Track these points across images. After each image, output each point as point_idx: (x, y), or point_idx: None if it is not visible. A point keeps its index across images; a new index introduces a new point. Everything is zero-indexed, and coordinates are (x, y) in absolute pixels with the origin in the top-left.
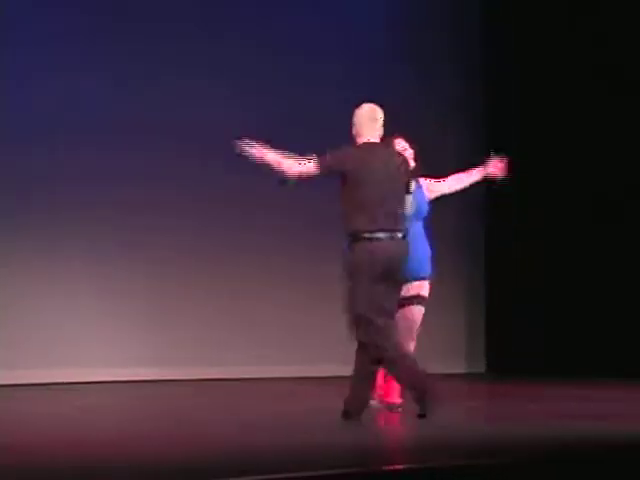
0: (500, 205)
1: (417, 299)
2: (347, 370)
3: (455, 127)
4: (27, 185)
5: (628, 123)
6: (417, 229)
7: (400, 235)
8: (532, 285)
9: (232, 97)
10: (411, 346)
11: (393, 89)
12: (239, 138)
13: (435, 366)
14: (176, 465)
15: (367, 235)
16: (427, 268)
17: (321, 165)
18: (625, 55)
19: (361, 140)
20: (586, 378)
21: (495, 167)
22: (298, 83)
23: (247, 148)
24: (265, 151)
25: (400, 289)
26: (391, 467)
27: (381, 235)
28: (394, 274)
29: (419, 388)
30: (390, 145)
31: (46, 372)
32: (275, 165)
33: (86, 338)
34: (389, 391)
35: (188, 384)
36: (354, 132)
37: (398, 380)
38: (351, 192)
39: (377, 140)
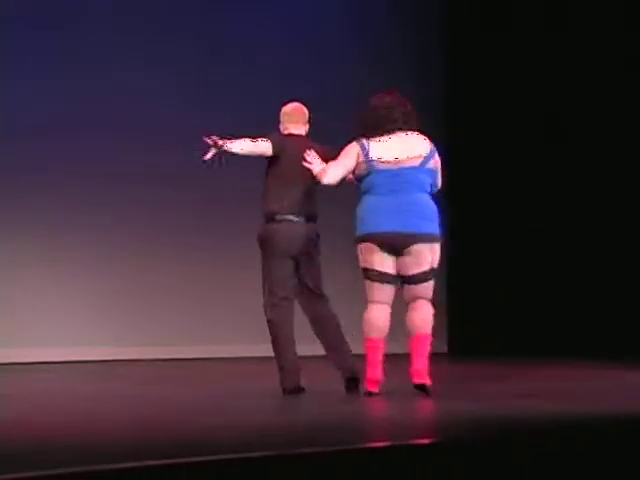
0: (460, 187)
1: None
2: (307, 350)
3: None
4: None
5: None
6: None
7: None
8: (493, 266)
9: (200, 94)
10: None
11: (353, 88)
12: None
13: (397, 347)
14: (127, 445)
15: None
16: None
17: (272, 144)
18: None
19: (287, 131)
20: (547, 358)
21: None
22: (263, 79)
23: (212, 146)
24: (227, 143)
25: (311, 267)
26: (348, 447)
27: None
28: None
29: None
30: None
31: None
32: (241, 152)
33: (42, 318)
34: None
35: (147, 364)
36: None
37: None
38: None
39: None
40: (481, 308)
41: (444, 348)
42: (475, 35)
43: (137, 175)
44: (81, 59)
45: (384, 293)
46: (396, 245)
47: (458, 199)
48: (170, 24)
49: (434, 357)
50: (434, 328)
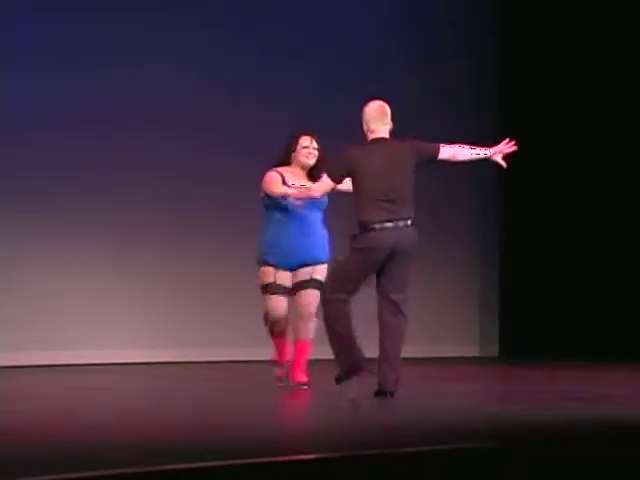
0: (513, 193)
1: (314, 282)
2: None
3: (465, 126)
4: (29, 169)
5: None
6: (315, 217)
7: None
8: (545, 269)
9: (232, 94)
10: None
11: (402, 88)
12: None
13: (449, 349)
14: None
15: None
16: (322, 253)
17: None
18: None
19: (371, 136)
20: (599, 362)
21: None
22: (303, 82)
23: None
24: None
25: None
26: (396, 450)
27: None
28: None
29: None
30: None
31: (48, 354)
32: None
33: (93, 320)
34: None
35: (192, 366)
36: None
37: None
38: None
39: (386, 135)
40: (533, 311)
41: (496, 351)
42: (530, 34)
43: (197, 179)
44: (94, 55)
45: None
46: None
47: (511, 202)
48: (208, 19)
49: (485, 360)
50: (486, 331)
